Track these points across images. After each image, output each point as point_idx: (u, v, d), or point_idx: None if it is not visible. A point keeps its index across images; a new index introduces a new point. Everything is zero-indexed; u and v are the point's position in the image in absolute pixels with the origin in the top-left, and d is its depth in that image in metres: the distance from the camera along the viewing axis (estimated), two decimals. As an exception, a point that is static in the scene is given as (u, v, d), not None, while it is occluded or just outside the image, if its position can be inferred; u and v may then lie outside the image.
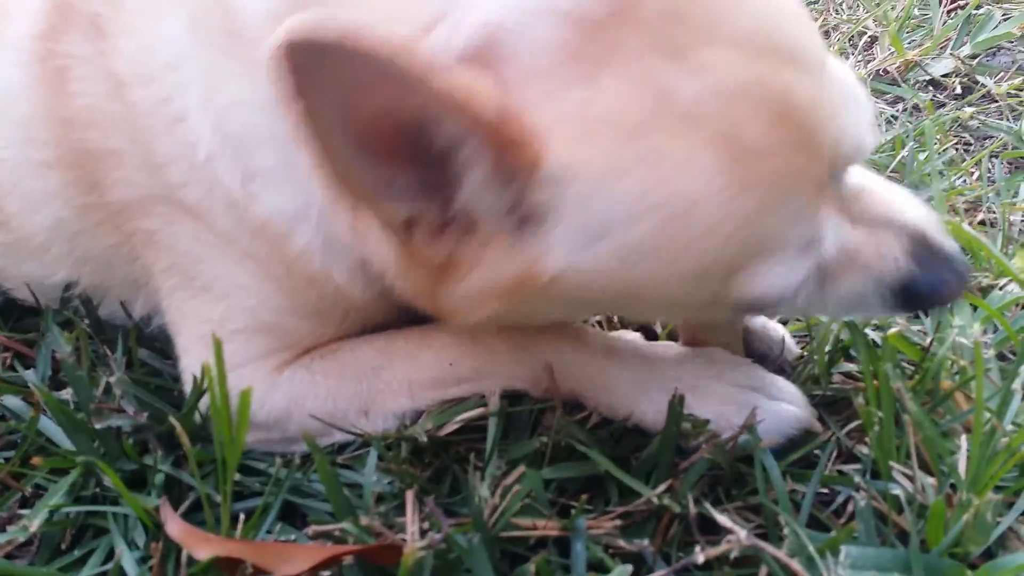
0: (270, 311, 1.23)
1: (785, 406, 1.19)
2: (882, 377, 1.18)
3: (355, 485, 1.16)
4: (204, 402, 1.21)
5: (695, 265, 0.93)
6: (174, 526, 1.00)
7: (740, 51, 0.88)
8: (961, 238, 1.39)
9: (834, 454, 1.23)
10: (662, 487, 1.06)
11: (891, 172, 1.92)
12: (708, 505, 1.01)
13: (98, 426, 1.21)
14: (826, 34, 2.80)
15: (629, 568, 0.90)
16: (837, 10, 2.99)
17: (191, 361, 1.26)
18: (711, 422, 1.16)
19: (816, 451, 1.20)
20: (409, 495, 1.02)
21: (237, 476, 1.18)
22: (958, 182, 1.92)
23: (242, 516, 1.10)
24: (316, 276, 1.18)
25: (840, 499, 1.17)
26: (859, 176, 1.07)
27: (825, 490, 1.18)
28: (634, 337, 1.29)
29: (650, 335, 1.35)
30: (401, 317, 1.26)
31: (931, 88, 2.48)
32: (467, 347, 1.22)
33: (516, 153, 0.85)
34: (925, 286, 1.05)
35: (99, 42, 1.20)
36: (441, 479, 1.18)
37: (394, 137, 0.86)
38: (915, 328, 1.38)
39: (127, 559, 1.04)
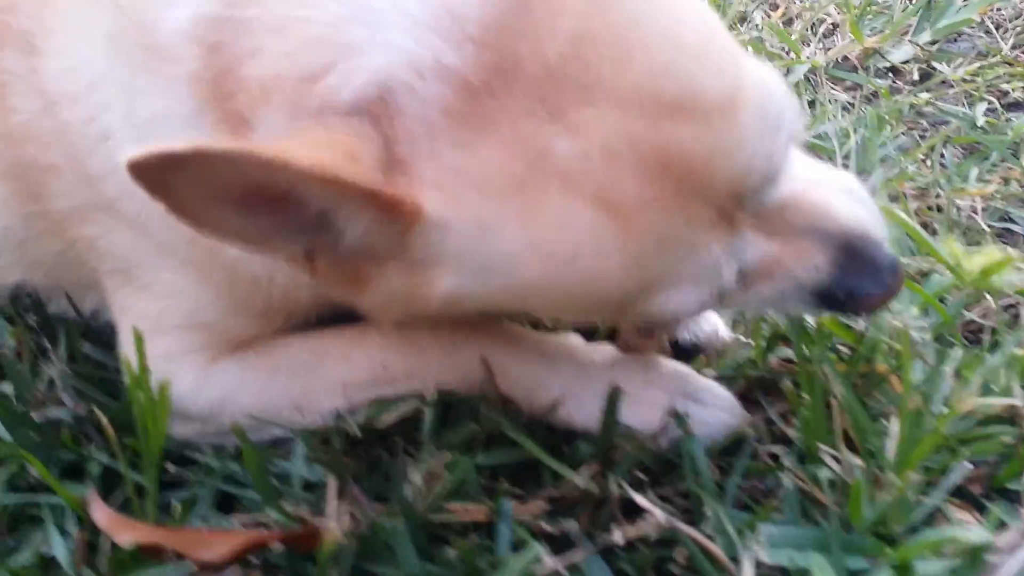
0: (211, 312, 1.24)
1: (716, 413, 1.21)
2: (814, 359, 1.20)
3: (289, 476, 1.17)
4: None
5: (588, 302, 0.97)
6: (100, 514, 1.02)
7: (619, 108, 0.88)
8: (897, 223, 1.41)
9: (768, 440, 1.25)
10: (586, 470, 1.07)
11: (844, 159, 1.93)
12: (629, 488, 1.02)
13: (37, 418, 1.22)
14: (788, 22, 2.81)
15: (543, 548, 0.91)
16: (800, -1, 3.00)
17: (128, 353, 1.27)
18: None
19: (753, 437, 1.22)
20: (331, 480, 1.03)
21: (173, 468, 1.19)
22: (911, 168, 1.93)
23: (179, 507, 1.12)
24: (260, 280, 1.19)
25: (772, 484, 1.19)
26: (794, 180, 1.07)
27: (756, 479, 1.19)
28: (571, 339, 1.29)
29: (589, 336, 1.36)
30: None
31: (891, 75, 2.49)
32: (399, 348, 1.24)
33: (394, 211, 0.88)
34: (844, 293, 1.06)
35: (31, 59, 1.20)
36: (376, 469, 1.19)
37: (271, 203, 0.88)
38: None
39: (58, 547, 1.06)
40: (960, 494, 1.18)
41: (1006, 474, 1.18)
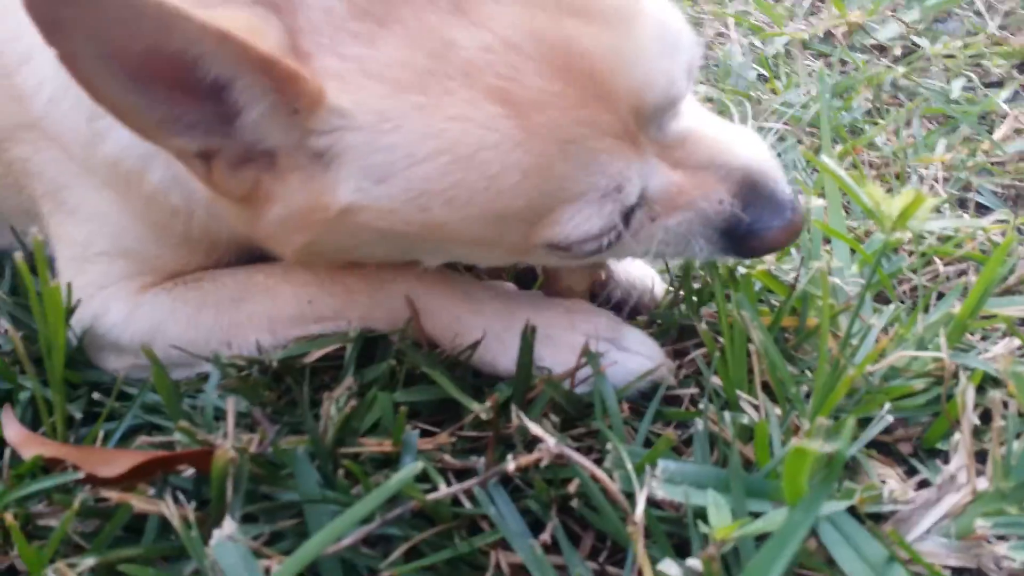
0: (132, 239, 1.26)
1: (637, 358, 1.20)
2: (734, 305, 1.20)
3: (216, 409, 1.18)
4: (78, 321, 1.25)
5: (489, 209, 0.96)
6: (11, 431, 1.03)
7: (522, 3, 0.90)
8: (826, 172, 1.40)
9: (693, 387, 1.25)
10: (488, 402, 1.07)
11: (809, 127, 1.92)
12: (525, 418, 1.03)
13: (-31, 343, 1.24)
14: (778, -2, 2.80)
15: (419, 464, 0.91)
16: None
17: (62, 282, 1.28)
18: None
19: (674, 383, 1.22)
20: (230, 401, 1.04)
21: (99, 396, 1.21)
22: (880, 139, 1.92)
23: (101, 434, 1.14)
24: (179, 210, 1.21)
25: (691, 431, 1.19)
26: (693, 119, 1.08)
27: (676, 426, 1.20)
28: (497, 284, 1.30)
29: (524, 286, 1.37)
30: None
31: (876, 52, 2.47)
32: (326, 286, 1.25)
33: (295, 93, 0.89)
34: (747, 227, 1.07)
35: None
36: (295, 403, 1.20)
37: (168, 72, 0.88)
38: (786, 267, 1.38)
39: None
40: (889, 452, 1.18)
41: (933, 433, 1.18)
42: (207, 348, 1.25)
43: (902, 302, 1.42)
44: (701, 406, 1.18)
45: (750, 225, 1.06)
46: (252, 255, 1.30)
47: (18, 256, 1.08)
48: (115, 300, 1.26)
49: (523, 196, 0.95)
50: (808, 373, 1.23)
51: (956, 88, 2.14)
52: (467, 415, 1.15)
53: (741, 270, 1.37)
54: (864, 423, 1.14)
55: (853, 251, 1.42)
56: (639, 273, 1.40)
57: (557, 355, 1.19)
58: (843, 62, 2.38)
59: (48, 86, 1.17)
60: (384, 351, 1.24)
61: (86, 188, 1.23)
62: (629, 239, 1.05)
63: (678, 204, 1.05)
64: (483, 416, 1.08)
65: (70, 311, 1.21)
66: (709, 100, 2.01)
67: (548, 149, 0.92)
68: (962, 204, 1.74)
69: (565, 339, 1.21)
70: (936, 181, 1.75)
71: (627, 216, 1.02)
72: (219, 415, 1.15)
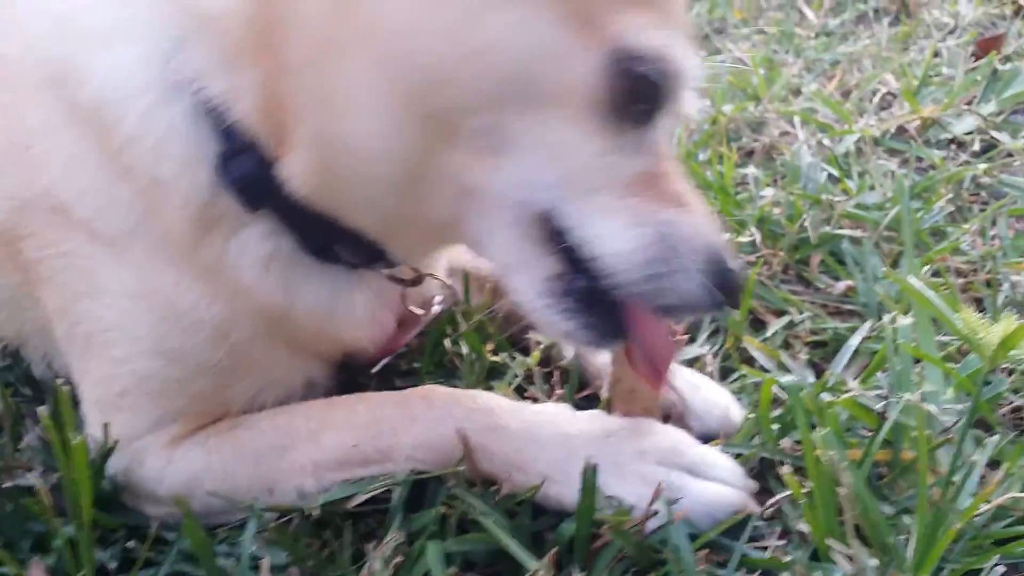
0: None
1: (715, 487, 1.10)
2: (820, 441, 1.09)
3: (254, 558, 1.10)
4: (112, 468, 1.19)
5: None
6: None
7: None
8: (909, 293, 1.28)
9: (777, 529, 1.14)
10: (546, 559, 0.97)
11: (886, 230, 1.81)
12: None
13: (7, 484, 1.18)
14: (846, 94, 2.71)
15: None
16: (860, 70, 2.90)
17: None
18: (634, 508, 1.07)
19: (750, 526, 1.10)
20: (264, 563, 0.95)
21: (131, 543, 1.14)
22: (964, 242, 1.80)
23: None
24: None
25: (777, 581, 1.07)
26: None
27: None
28: (556, 409, 1.20)
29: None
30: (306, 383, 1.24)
31: (952, 147, 2.36)
32: (371, 427, 1.17)
33: None
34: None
35: None
36: (339, 552, 1.11)
37: None
38: (872, 393, 1.27)
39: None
40: (995, 601, 1.05)
41: (1048, 579, 1.05)
42: (247, 496, 1.17)
43: (1005, 428, 1.29)
44: (787, 556, 1.06)
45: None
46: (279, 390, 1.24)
47: (43, 411, 1.02)
48: (148, 455, 1.19)
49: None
50: (905, 517, 1.10)
51: (1041, 185, 2.02)
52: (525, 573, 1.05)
53: (825, 397, 1.26)
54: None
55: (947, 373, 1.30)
56: (715, 397, 1.30)
57: (626, 485, 1.09)
58: (918, 159, 2.27)
59: None
60: (434, 493, 1.15)
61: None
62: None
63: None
64: (541, 574, 0.97)
65: (105, 455, 1.16)
66: (777, 204, 1.91)
67: None
68: (1060, 313, 1.60)
69: (635, 468, 1.10)
70: (1031, 289, 1.62)
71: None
72: (255, 564, 1.07)
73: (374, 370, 1.29)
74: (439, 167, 1.00)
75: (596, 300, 1.04)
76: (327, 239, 1.14)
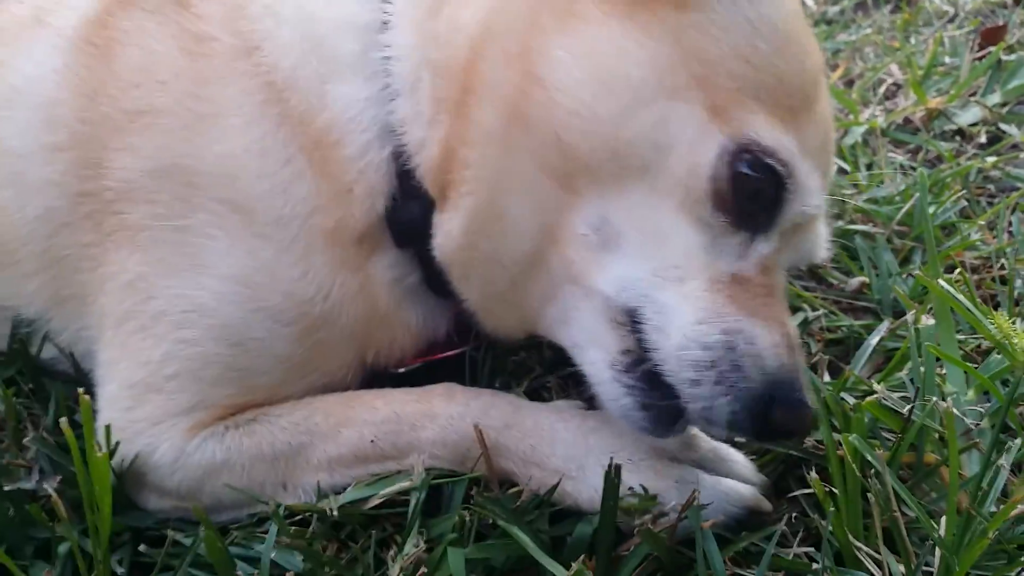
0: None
1: (728, 483, 1.09)
2: (845, 445, 1.07)
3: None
4: (120, 457, 1.16)
5: None
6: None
7: None
8: (957, 308, 1.26)
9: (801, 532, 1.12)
10: (575, 566, 0.95)
11: (898, 225, 1.79)
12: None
13: (8, 488, 1.15)
14: (849, 83, 2.69)
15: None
16: (863, 58, 2.88)
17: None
18: (658, 497, 1.06)
19: (778, 529, 1.08)
20: (288, 577, 0.93)
21: (142, 547, 1.11)
22: (974, 236, 1.78)
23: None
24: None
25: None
26: None
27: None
28: (570, 407, 1.20)
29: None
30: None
31: (957, 138, 2.34)
32: (390, 424, 1.16)
33: None
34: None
35: None
36: (359, 557, 1.08)
37: None
38: (896, 395, 1.25)
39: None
40: (1023, 608, 1.03)
41: (1074, 585, 1.03)
42: (262, 491, 1.16)
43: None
44: (814, 562, 1.05)
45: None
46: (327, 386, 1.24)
47: (63, 422, 0.99)
48: (164, 440, 1.17)
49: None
50: (933, 521, 1.09)
51: (1050, 177, 2.00)
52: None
53: (848, 400, 1.24)
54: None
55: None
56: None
57: (639, 478, 1.08)
58: (921, 148, 2.25)
59: None
60: (451, 496, 1.13)
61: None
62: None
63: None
64: (572, 582, 0.95)
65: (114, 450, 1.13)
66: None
67: None
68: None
69: (650, 463, 1.10)
70: (1045, 285, 1.60)
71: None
72: (276, 571, 1.05)
73: (402, 370, 1.26)
74: (559, 256, 1.09)
75: (655, 384, 1.04)
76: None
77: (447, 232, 1.15)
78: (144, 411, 1.17)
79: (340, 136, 1.18)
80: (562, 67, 1.05)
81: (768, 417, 0.99)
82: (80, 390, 1.08)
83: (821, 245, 1.17)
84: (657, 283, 1.04)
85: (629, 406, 1.06)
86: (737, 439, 1.18)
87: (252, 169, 1.17)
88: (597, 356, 1.08)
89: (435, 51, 1.14)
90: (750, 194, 1.03)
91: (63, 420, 1.02)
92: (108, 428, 1.13)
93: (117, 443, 1.15)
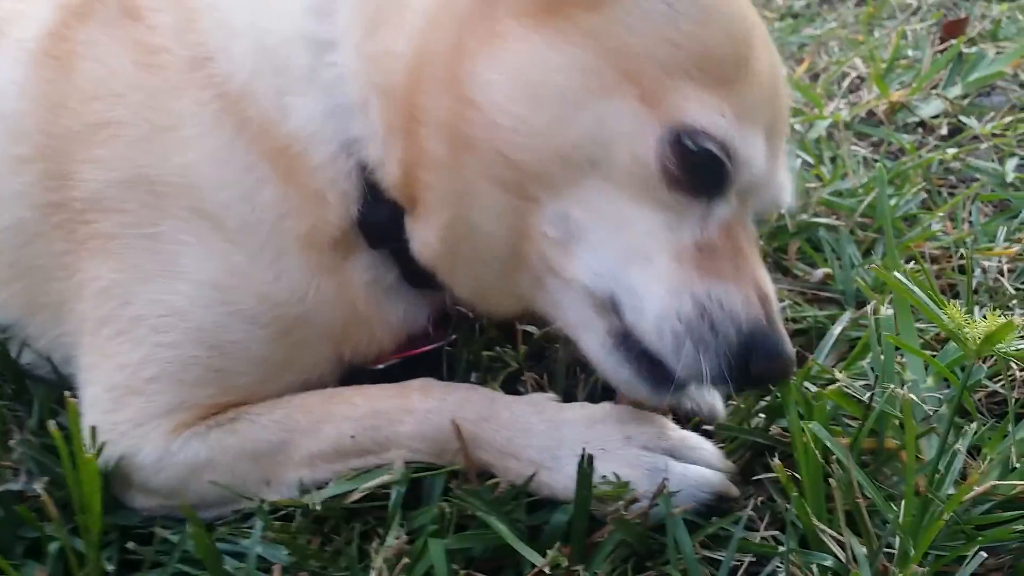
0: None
1: (697, 470, 1.13)
2: (807, 431, 1.12)
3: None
4: (105, 459, 1.18)
5: None
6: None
7: None
8: (912, 300, 1.31)
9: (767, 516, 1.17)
10: (551, 554, 0.99)
11: (861, 217, 1.84)
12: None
13: (-2, 490, 1.18)
14: (815, 77, 2.74)
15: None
16: (828, 52, 2.93)
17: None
18: (630, 484, 1.10)
19: (745, 514, 1.13)
20: (276, 569, 0.96)
21: (131, 544, 1.14)
22: (935, 226, 1.84)
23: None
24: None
25: (770, 567, 1.10)
26: None
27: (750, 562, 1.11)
28: (545, 399, 1.24)
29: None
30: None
31: (920, 131, 2.40)
32: (369, 420, 1.19)
33: None
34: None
35: None
36: (343, 550, 1.12)
37: None
38: (859, 384, 1.30)
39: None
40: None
41: (1026, 565, 1.08)
42: (245, 487, 1.19)
43: (982, 414, 1.32)
44: (780, 545, 1.09)
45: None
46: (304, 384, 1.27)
47: (52, 425, 1.02)
48: (147, 441, 1.19)
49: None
50: (891, 503, 1.14)
51: (1010, 169, 2.06)
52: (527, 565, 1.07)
53: (811, 388, 1.29)
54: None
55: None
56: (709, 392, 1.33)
57: (612, 467, 1.12)
58: (884, 141, 2.31)
59: None
60: (431, 489, 1.17)
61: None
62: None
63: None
64: (546, 572, 0.99)
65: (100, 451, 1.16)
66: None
67: None
68: (1031, 297, 1.65)
69: (620, 453, 1.15)
70: (1001, 274, 1.66)
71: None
72: (262, 565, 1.08)
73: (382, 366, 1.30)
74: (536, 252, 1.15)
75: (645, 355, 1.11)
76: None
77: (424, 241, 1.18)
78: (126, 414, 1.20)
79: (305, 147, 1.21)
80: (493, 87, 1.09)
81: (748, 369, 1.08)
82: (67, 393, 1.10)
83: (784, 191, 1.23)
84: (626, 267, 1.10)
85: (626, 377, 1.13)
86: (713, 423, 1.26)
87: (213, 178, 1.20)
88: (590, 337, 1.15)
89: (377, 75, 1.18)
90: (698, 168, 1.08)
91: (52, 423, 1.04)
92: (94, 430, 1.16)
93: (103, 444, 1.17)
